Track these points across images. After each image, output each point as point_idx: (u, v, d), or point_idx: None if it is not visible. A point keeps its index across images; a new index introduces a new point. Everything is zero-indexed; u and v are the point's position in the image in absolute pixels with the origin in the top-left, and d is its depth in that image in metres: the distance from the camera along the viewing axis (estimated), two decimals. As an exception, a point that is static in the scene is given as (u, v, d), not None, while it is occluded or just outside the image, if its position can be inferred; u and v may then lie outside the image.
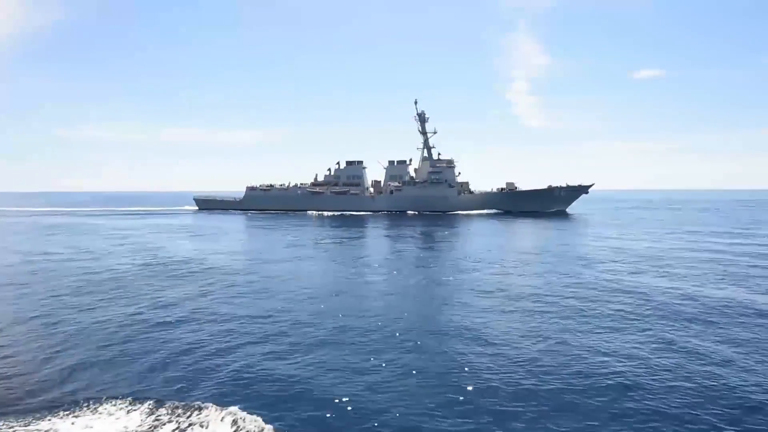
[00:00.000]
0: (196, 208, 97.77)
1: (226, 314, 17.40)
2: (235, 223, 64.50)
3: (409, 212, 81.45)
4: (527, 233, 49.14)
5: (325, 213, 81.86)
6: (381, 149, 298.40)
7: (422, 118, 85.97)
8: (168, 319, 16.88)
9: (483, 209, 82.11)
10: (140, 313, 17.53)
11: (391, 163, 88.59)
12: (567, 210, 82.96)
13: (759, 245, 35.67)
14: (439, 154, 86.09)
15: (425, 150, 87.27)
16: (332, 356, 13.21)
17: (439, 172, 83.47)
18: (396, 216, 74.79)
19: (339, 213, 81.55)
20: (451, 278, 24.20)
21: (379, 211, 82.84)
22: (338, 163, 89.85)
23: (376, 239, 44.14)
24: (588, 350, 13.50)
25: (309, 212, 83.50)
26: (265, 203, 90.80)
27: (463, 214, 77.20)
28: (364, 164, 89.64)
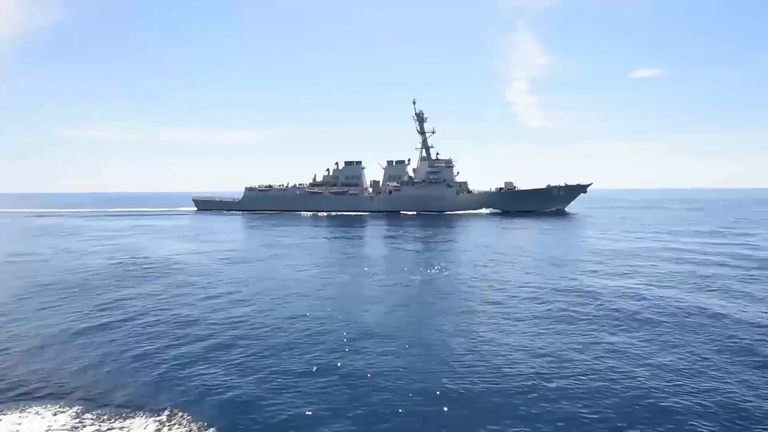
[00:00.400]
0: (195, 209, 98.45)
1: (175, 315, 17.49)
2: (229, 223, 64.73)
3: (408, 212, 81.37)
4: (516, 234, 48.94)
5: (322, 213, 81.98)
6: (380, 149, 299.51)
7: (420, 118, 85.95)
8: (113, 319, 17.00)
9: (481, 209, 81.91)
10: (90, 314, 17.69)
11: (389, 163, 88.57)
12: (566, 209, 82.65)
13: (735, 245, 35.31)
14: (437, 153, 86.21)
15: (424, 150, 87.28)
16: (265, 359, 13.28)
17: (438, 171, 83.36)
18: (393, 216, 74.69)
19: (337, 213, 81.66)
20: (417, 278, 24.17)
21: (378, 212, 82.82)
22: (337, 163, 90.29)
23: (364, 240, 44.20)
24: (517, 350, 13.46)
25: (303, 213, 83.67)
26: (263, 204, 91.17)
27: (461, 214, 77.02)
28: (363, 164, 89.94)
